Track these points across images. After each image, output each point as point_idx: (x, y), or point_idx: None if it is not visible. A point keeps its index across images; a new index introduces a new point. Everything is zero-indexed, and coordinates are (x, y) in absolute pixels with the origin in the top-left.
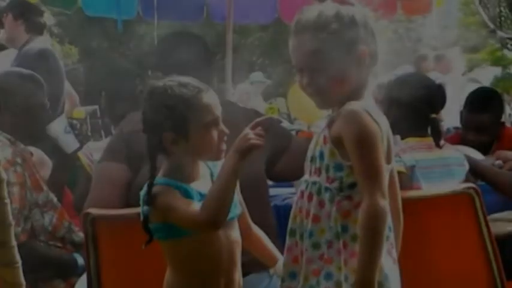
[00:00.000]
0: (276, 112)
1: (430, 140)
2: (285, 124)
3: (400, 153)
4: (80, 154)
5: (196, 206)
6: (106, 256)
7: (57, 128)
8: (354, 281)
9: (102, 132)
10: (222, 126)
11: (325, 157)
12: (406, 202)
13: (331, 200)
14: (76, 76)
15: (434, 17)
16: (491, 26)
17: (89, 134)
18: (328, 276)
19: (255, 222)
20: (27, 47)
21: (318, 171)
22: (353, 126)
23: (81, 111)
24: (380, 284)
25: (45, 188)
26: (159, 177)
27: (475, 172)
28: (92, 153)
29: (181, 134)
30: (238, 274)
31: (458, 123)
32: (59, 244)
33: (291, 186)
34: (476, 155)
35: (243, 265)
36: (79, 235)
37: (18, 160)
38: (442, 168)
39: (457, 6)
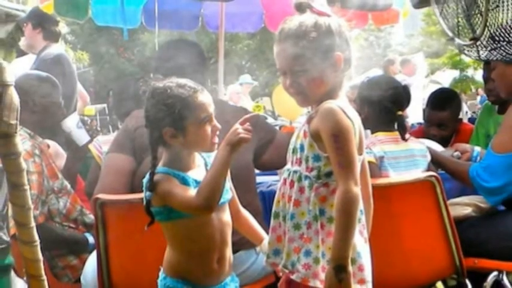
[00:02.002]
0: (262, 110)
1: (396, 134)
2: (270, 120)
3: (370, 145)
4: (91, 146)
5: (192, 192)
6: (113, 235)
7: (71, 123)
8: (330, 257)
9: (110, 127)
10: (215, 122)
11: (305, 149)
12: (376, 188)
13: (310, 186)
14: (87, 78)
15: (400, 26)
16: (450, 34)
17: (98, 129)
18: (308, 253)
19: (244, 206)
20: (45, 53)
21: (299, 161)
22: (329, 122)
23: (91, 109)
24: (353, 260)
25: (60, 176)
26: (160, 167)
27: (436, 162)
28: (101, 145)
29: (179, 129)
30: (229, 251)
31: (421, 120)
32: (72, 225)
33: (275, 174)
34: (437, 147)
35: (233, 243)
36: (90, 217)
37: (37, 152)
38: (408, 159)
39: (421, 17)
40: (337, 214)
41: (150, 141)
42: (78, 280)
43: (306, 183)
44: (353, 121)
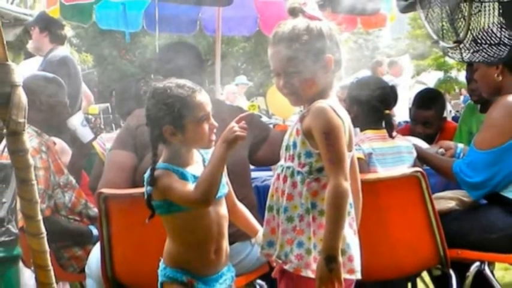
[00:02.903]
0: (256, 109)
1: (384, 132)
2: (264, 119)
3: (359, 142)
4: (95, 143)
5: (190, 186)
6: (116, 228)
7: (76, 121)
8: (321, 248)
9: (113, 126)
10: (212, 121)
11: (298, 146)
12: (365, 183)
13: (302, 181)
14: (91, 79)
15: (388, 30)
16: (435, 37)
17: (102, 127)
18: (300, 244)
19: (239, 200)
20: (51, 55)
21: (292, 158)
22: (321, 121)
23: (95, 108)
24: (343, 251)
25: (65, 171)
26: (160, 163)
27: (421, 158)
28: (105, 142)
29: (178, 127)
30: (225, 243)
31: (407, 118)
32: (77, 218)
33: (269, 170)
34: (423, 144)
35: (230, 235)
36: (94, 210)
37: (43, 148)
38: (395, 155)
39: (407, 21)
40: (327, 207)
41: (151, 139)
42: (83, 270)
43: (298, 178)
44: (343, 119)
